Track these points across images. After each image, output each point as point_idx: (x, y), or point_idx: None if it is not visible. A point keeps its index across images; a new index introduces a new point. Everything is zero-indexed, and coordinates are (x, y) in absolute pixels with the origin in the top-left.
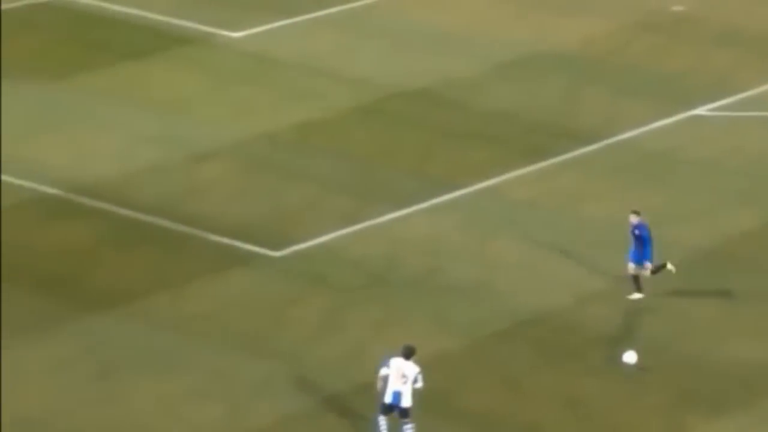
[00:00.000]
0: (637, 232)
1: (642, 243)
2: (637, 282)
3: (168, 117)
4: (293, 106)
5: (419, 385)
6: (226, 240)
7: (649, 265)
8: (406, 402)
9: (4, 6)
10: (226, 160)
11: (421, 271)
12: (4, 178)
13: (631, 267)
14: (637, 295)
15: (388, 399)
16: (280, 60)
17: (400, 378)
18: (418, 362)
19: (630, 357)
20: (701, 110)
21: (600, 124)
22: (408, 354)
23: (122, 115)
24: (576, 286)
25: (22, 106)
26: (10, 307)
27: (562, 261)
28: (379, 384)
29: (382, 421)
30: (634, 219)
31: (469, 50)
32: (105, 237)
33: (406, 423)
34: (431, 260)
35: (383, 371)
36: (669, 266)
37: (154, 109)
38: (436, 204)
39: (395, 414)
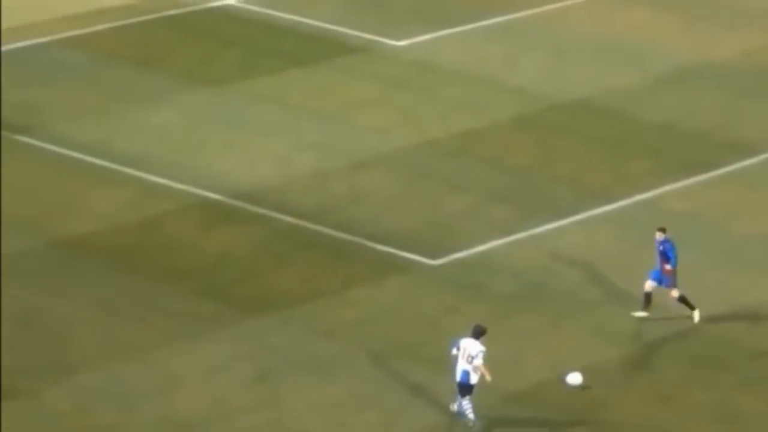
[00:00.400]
0: (662, 248)
1: (667, 261)
2: (648, 300)
3: (330, 124)
4: (455, 115)
5: (477, 362)
6: (384, 248)
7: (676, 293)
8: (473, 380)
9: (167, 12)
10: (387, 168)
11: (577, 282)
12: (166, 182)
13: (649, 284)
14: (641, 313)
15: (457, 377)
16: (443, 69)
17: (466, 358)
18: (485, 342)
19: (574, 378)
20: None
21: (762, 137)
22: (477, 334)
23: (285, 121)
24: (731, 300)
25: (186, 112)
26: (171, 310)
27: (716, 275)
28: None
29: (466, 404)
30: (659, 236)
31: (630, 61)
32: (265, 243)
33: (464, 400)
34: (588, 271)
35: (453, 351)
36: (695, 316)
37: (317, 116)
38: (594, 215)
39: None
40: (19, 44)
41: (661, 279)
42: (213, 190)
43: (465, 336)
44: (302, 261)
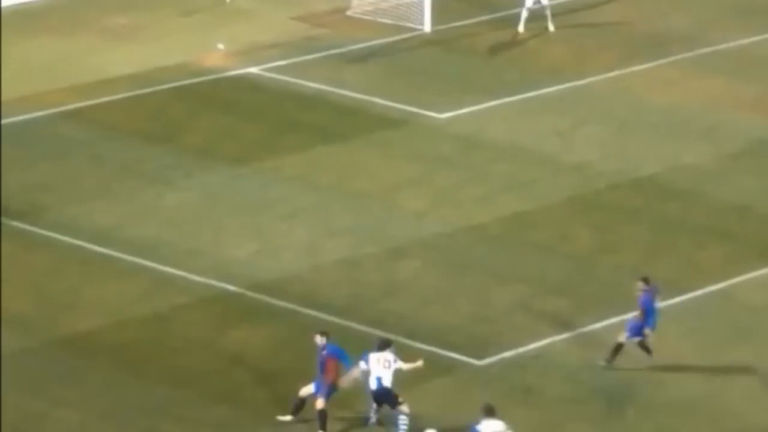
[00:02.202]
0: (641, 299)
1: (644, 314)
2: (616, 352)
3: (364, 207)
4: (502, 195)
5: (399, 363)
6: (424, 346)
7: (649, 332)
8: (388, 383)
9: (182, 82)
10: (426, 257)
11: (643, 384)
12: (180, 273)
13: (623, 335)
14: (603, 363)
15: (372, 387)
16: (489, 145)
17: (383, 363)
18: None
19: None
20: None
21: None
22: (384, 346)
23: (313, 204)
24: None
25: (202, 194)
26: (182, 416)
27: None
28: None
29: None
30: (640, 285)
31: (702, 135)
32: (289, 341)
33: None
34: (655, 372)
35: (362, 366)
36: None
37: (349, 197)
38: (662, 308)
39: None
40: (17, 118)
41: (635, 330)
42: (232, 282)
43: None
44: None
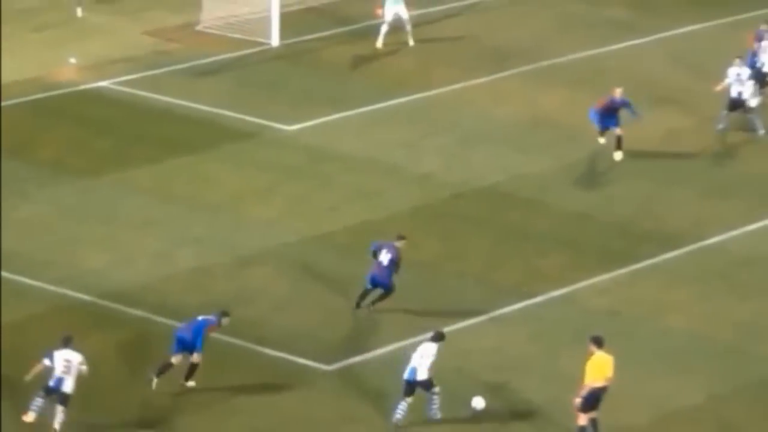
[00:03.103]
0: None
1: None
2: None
3: (214, 217)
4: (350, 205)
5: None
6: (275, 352)
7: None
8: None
9: (34, 96)
10: (276, 265)
11: (489, 386)
12: (35, 283)
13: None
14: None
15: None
16: (337, 155)
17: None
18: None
19: (478, 403)
20: None
21: (685, 227)
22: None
23: (164, 215)
24: (654, 405)
25: (55, 206)
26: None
27: (641, 376)
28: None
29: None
30: None
31: (542, 146)
32: (141, 348)
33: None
34: (499, 374)
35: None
36: None
37: (199, 208)
38: (506, 314)
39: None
40: None
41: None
42: (85, 291)
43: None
44: (183, 368)
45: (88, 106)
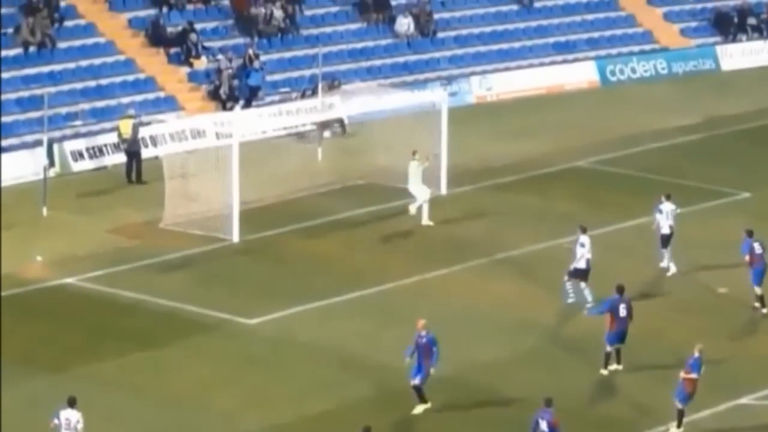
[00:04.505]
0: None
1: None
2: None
3: (177, 409)
4: (310, 396)
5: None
6: None
7: None
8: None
9: (6, 292)
10: None
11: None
12: None
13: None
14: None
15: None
16: (297, 347)
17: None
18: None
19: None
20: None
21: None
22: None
23: (129, 407)
24: None
25: (23, 399)
26: None
27: None
28: None
29: None
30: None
31: (495, 334)
32: None
33: None
34: None
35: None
36: None
37: (164, 400)
38: None
39: None
40: None
41: None
42: None
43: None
44: None
45: (54, 302)
